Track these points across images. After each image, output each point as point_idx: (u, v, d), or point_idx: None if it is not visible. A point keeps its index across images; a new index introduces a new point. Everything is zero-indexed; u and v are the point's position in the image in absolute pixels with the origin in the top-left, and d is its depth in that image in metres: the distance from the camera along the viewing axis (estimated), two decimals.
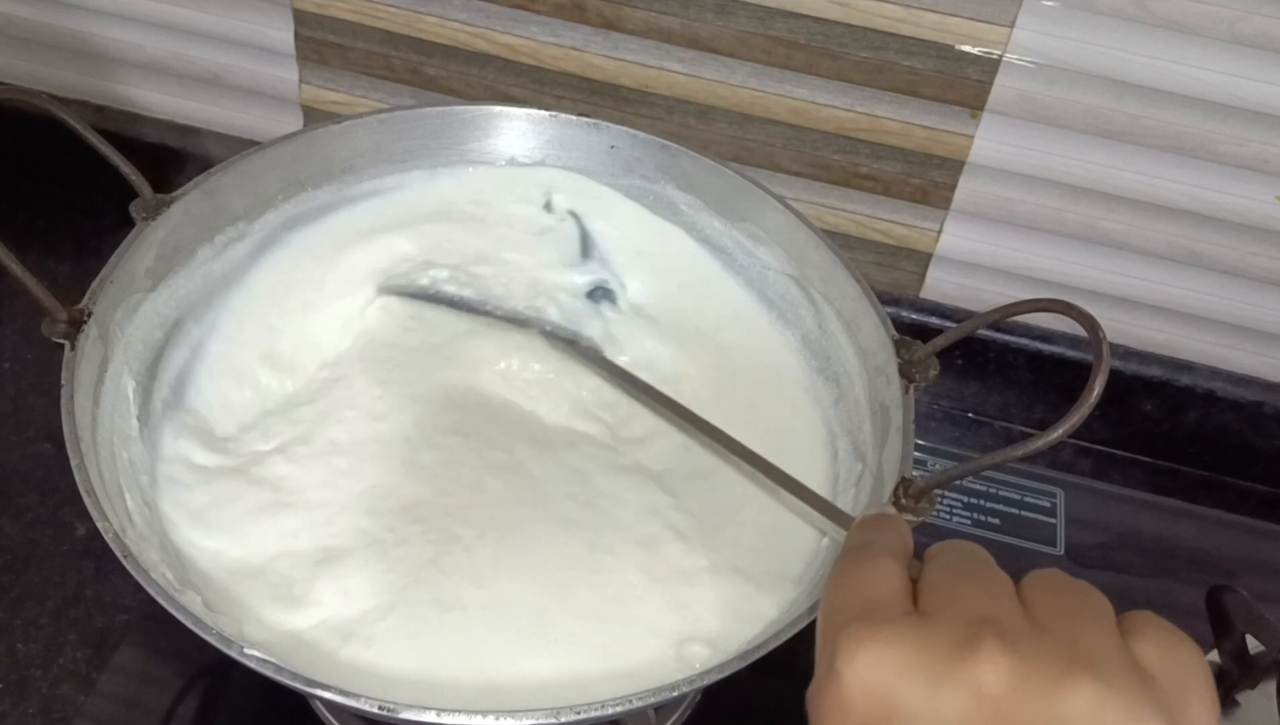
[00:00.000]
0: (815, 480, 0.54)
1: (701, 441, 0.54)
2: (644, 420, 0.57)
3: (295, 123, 0.74)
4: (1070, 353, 0.72)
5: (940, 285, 0.72)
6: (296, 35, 0.70)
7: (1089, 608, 0.33)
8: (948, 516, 0.68)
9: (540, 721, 0.39)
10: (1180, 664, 0.31)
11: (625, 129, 0.60)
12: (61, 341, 0.48)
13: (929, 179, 0.68)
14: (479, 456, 0.54)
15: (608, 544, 0.51)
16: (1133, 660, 0.31)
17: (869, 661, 0.31)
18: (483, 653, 0.47)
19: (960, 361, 0.73)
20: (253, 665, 0.40)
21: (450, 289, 0.59)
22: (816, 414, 0.57)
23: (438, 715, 0.39)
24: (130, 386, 0.52)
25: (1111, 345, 0.45)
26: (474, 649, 0.47)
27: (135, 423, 0.51)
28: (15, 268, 0.48)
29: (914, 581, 0.35)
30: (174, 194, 0.54)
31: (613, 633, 0.48)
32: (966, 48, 0.63)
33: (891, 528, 0.38)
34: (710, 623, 0.48)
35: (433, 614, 0.48)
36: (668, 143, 0.60)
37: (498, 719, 0.39)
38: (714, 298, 0.61)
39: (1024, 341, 0.72)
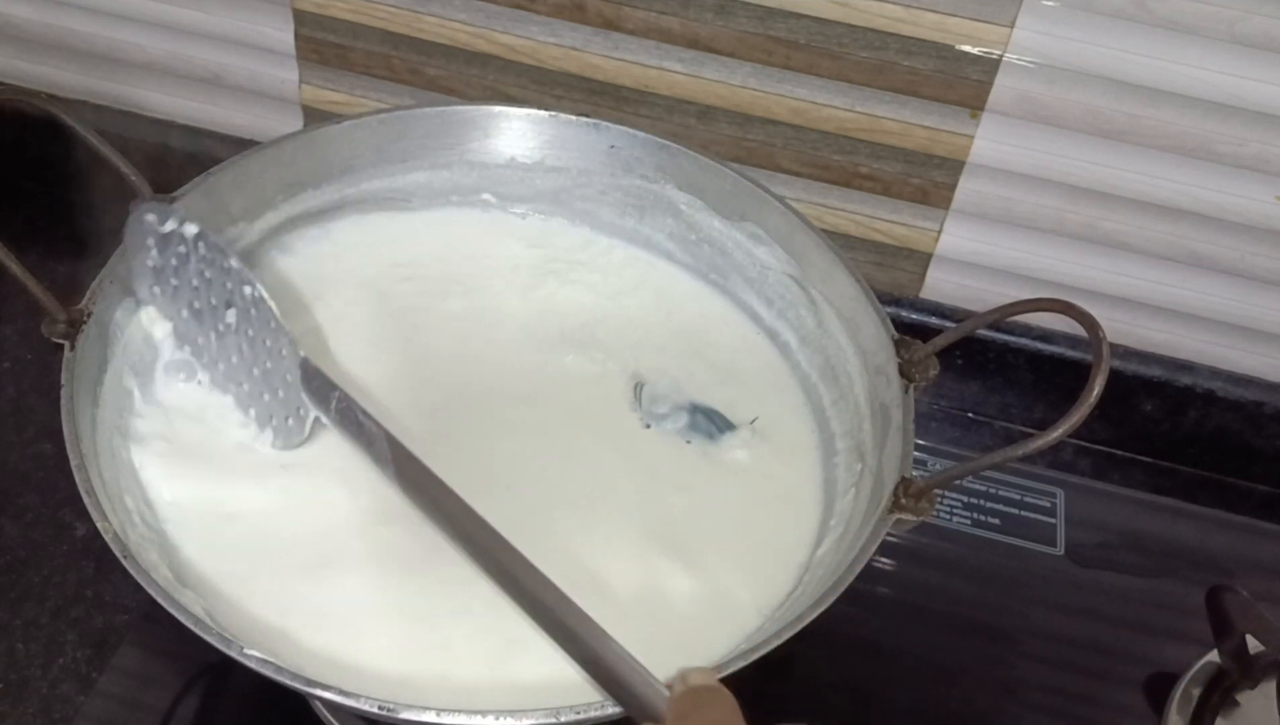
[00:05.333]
0: (810, 481, 0.55)
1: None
2: None
3: (295, 123, 0.74)
4: (1070, 353, 0.72)
5: (940, 285, 0.72)
6: (296, 35, 0.70)
7: None
8: (948, 516, 0.68)
9: (540, 721, 0.39)
10: None
11: (625, 129, 0.60)
12: (61, 341, 0.48)
13: (929, 179, 0.68)
14: (475, 441, 0.54)
15: (598, 550, 0.51)
16: None
17: None
18: (483, 651, 0.47)
19: (960, 361, 0.73)
20: (253, 665, 0.40)
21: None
22: (810, 416, 0.57)
23: (438, 715, 0.39)
24: (134, 384, 0.52)
25: (1111, 345, 0.45)
26: (474, 649, 0.47)
27: (138, 422, 0.51)
28: (15, 268, 0.48)
29: None
30: (174, 194, 0.54)
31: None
32: (966, 48, 0.63)
33: (720, 690, 0.37)
34: (705, 624, 0.49)
35: (433, 611, 0.48)
36: (668, 143, 0.60)
37: (498, 719, 0.39)
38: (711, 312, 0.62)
39: (1024, 341, 0.72)
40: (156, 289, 0.53)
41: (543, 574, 0.42)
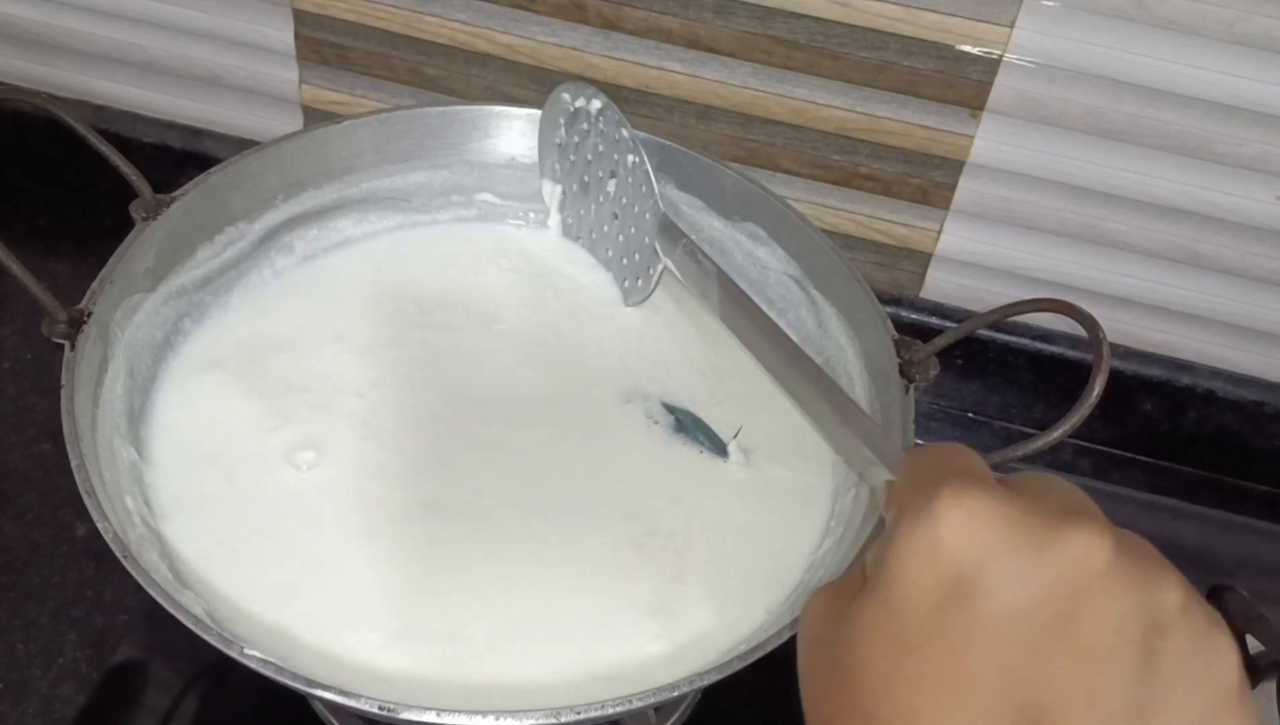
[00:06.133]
0: (824, 477, 0.55)
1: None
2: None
3: (295, 123, 0.74)
4: (1070, 353, 0.72)
5: (940, 285, 0.72)
6: (296, 35, 0.70)
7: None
8: None
9: (540, 721, 0.39)
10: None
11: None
12: (61, 341, 0.48)
13: (929, 179, 0.68)
14: (474, 444, 0.54)
15: (596, 546, 0.51)
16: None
17: (973, 510, 0.30)
18: (485, 651, 0.47)
19: (960, 361, 0.73)
20: (253, 665, 0.40)
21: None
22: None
23: (438, 715, 0.39)
24: (130, 386, 0.52)
25: (1111, 345, 0.45)
26: (475, 648, 0.47)
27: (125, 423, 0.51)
28: (15, 268, 0.48)
29: None
30: (174, 194, 0.54)
31: (602, 635, 0.48)
32: (966, 48, 0.63)
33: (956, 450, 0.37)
34: (702, 624, 0.49)
35: (432, 613, 0.48)
36: (668, 143, 0.60)
37: (498, 719, 0.39)
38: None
39: (1024, 341, 0.72)
40: (558, 166, 0.60)
41: (831, 379, 0.46)
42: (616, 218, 0.59)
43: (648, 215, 0.57)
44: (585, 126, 0.58)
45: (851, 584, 0.34)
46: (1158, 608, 0.30)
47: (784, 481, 0.54)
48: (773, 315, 0.61)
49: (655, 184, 0.56)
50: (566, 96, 0.58)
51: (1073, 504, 0.31)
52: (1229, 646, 0.31)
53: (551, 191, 0.62)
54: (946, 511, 0.30)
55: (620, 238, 0.59)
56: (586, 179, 0.60)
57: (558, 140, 0.59)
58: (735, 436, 0.55)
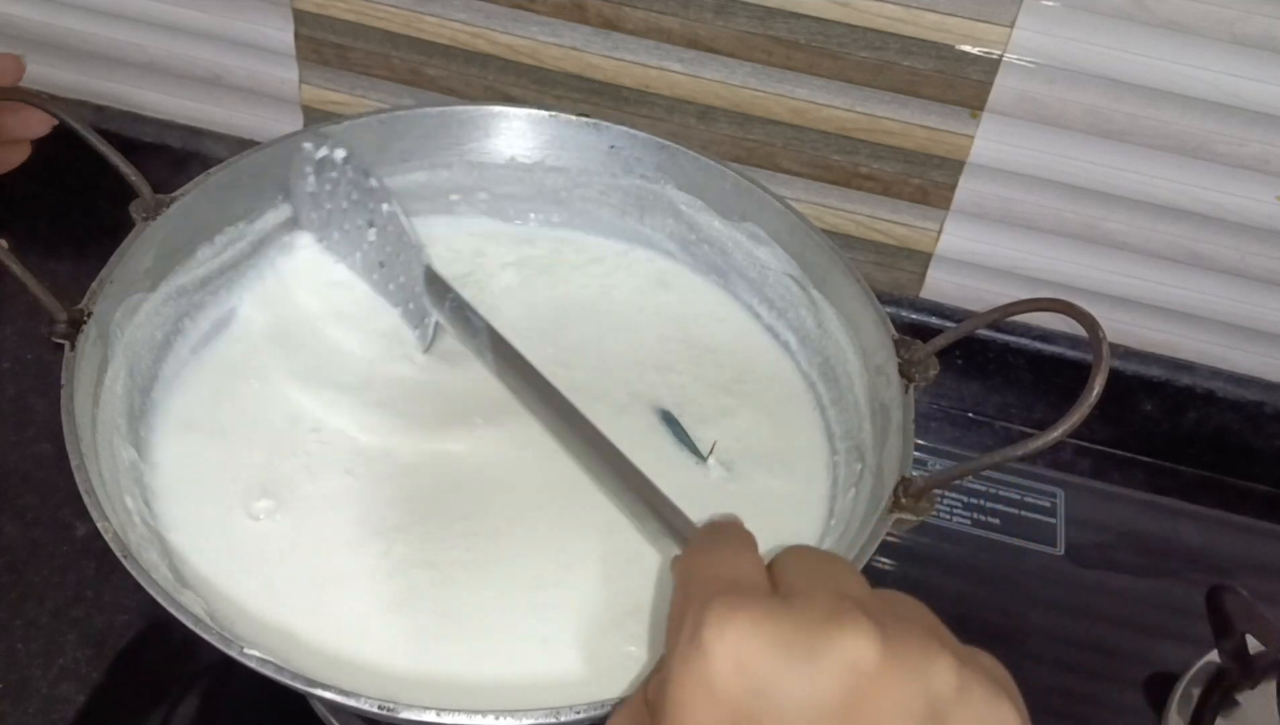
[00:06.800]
0: (818, 483, 0.54)
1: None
2: None
3: (295, 123, 0.74)
4: (1070, 353, 0.72)
5: (940, 285, 0.72)
6: (296, 35, 0.70)
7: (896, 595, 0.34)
8: (948, 516, 0.68)
9: (540, 721, 0.39)
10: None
11: (625, 129, 0.60)
12: (61, 341, 0.48)
13: (929, 179, 0.68)
14: (473, 443, 0.54)
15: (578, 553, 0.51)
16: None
17: (739, 636, 0.30)
18: (486, 651, 0.47)
19: (960, 361, 0.73)
20: (253, 665, 0.40)
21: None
22: (817, 415, 0.57)
23: (438, 715, 0.39)
24: (130, 386, 0.52)
25: (1111, 345, 0.45)
26: (476, 648, 0.47)
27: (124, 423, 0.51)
28: (15, 268, 0.48)
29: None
30: (174, 194, 0.54)
31: (592, 636, 0.48)
32: (966, 48, 0.63)
33: (739, 526, 0.38)
34: None
35: (432, 609, 0.48)
36: (667, 143, 0.60)
37: (498, 719, 0.39)
38: (708, 303, 0.62)
39: (1024, 341, 0.72)
40: (314, 215, 0.58)
41: (609, 441, 0.48)
42: (383, 266, 0.58)
43: (414, 264, 0.57)
44: (335, 175, 0.57)
45: (641, 712, 0.33)
46: (935, 695, 0.29)
47: (774, 490, 0.54)
48: (771, 316, 0.61)
49: (415, 234, 0.56)
50: (308, 146, 0.56)
51: (837, 596, 0.31)
52: (1012, 715, 0.30)
53: (307, 242, 0.59)
54: (714, 642, 0.30)
55: (391, 286, 0.58)
56: (347, 227, 0.58)
57: (308, 189, 0.57)
58: (711, 452, 0.54)
